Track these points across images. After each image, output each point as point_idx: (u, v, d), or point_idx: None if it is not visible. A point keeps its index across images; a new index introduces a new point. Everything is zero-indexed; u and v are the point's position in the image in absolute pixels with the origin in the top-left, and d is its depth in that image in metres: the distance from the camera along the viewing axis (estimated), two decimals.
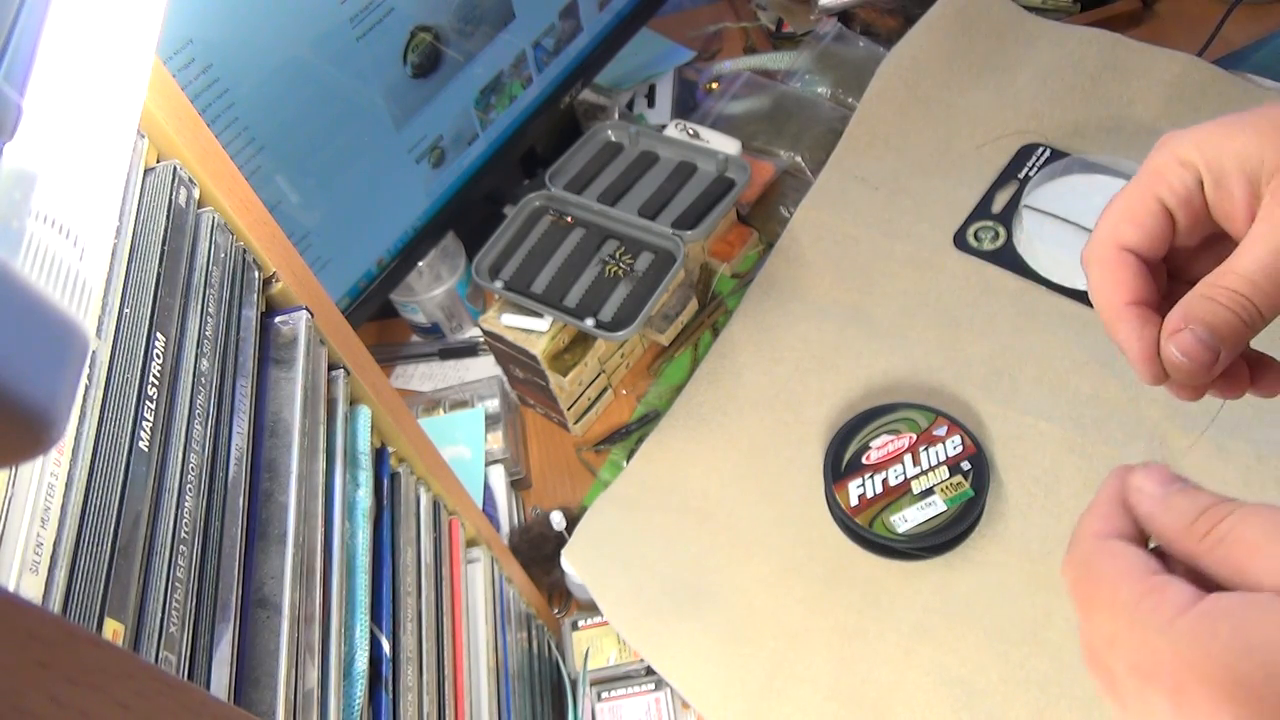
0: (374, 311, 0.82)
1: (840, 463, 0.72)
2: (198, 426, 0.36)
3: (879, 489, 0.70)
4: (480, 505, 0.73)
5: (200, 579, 0.34)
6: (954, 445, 0.71)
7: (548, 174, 0.88)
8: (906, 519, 0.69)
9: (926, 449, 0.71)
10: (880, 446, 0.73)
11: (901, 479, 0.70)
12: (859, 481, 0.71)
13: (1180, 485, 0.30)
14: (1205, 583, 0.30)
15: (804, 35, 1.09)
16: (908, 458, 0.71)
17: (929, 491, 0.69)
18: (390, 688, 0.45)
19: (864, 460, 0.72)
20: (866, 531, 0.69)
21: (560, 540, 0.77)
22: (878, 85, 0.95)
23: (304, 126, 0.66)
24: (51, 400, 0.16)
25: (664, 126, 0.97)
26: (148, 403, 0.33)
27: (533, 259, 0.83)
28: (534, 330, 0.80)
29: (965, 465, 0.70)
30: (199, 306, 0.38)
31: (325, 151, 0.69)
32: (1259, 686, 0.25)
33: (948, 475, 0.70)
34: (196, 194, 0.40)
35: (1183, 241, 0.36)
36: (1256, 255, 0.33)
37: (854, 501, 0.70)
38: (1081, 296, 0.79)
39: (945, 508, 0.68)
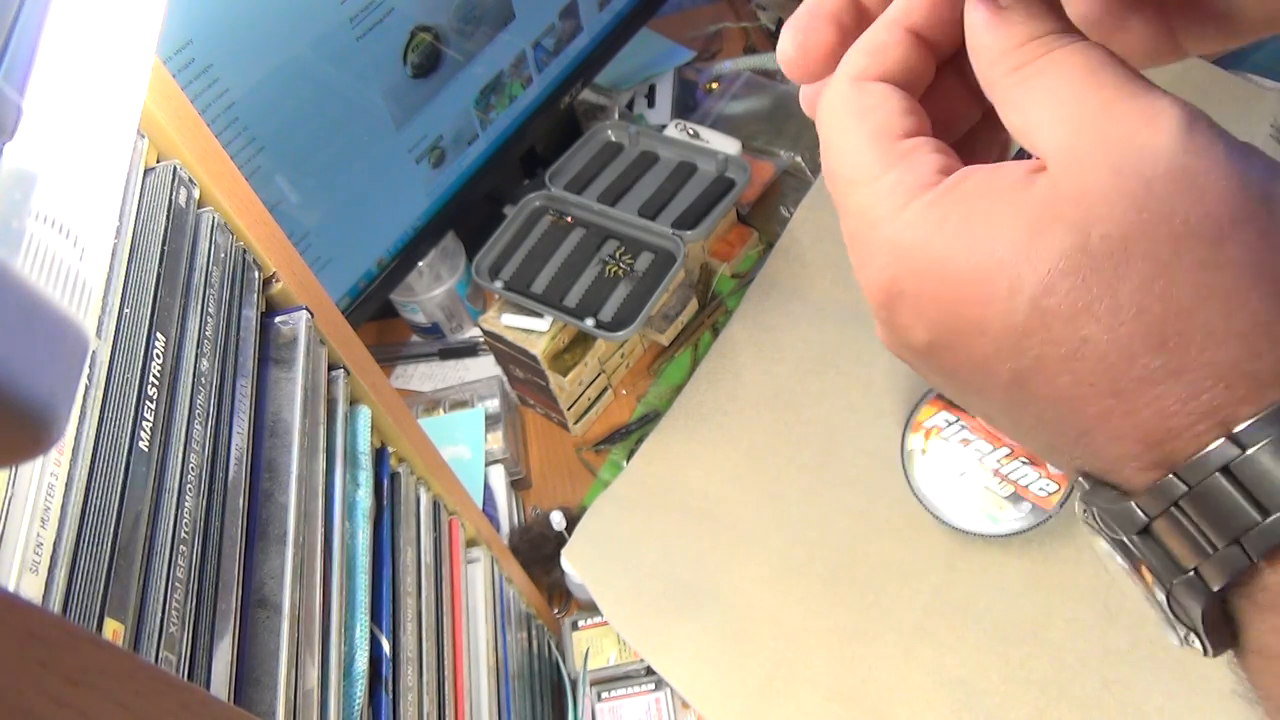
0: (374, 311, 0.82)
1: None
2: (198, 426, 0.36)
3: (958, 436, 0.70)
4: (480, 505, 0.73)
5: (200, 579, 0.34)
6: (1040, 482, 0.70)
7: (548, 174, 0.88)
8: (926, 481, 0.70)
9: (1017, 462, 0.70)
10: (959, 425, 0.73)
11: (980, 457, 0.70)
12: (944, 416, 0.71)
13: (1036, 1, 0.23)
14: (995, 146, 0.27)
15: None
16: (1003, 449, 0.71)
17: (963, 475, 0.70)
18: (390, 688, 0.45)
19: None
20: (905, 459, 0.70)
21: (560, 540, 0.77)
22: None
23: (304, 126, 0.66)
24: (51, 400, 0.16)
25: (664, 126, 0.97)
26: (148, 403, 0.33)
27: (533, 259, 0.83)
28: (534, 330, 0.80)
29: (1007, 468, 0.69)
30: (199, 306, 0.38)
31: (325, 151, 0.69)
32: (976, 304, 0.21)
33: (983, 472, 0.69)
34: (196, 194, 0.40)
35: None
36: None
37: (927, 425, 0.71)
38: None
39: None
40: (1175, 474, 0.20)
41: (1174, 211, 0.19)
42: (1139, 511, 0.21)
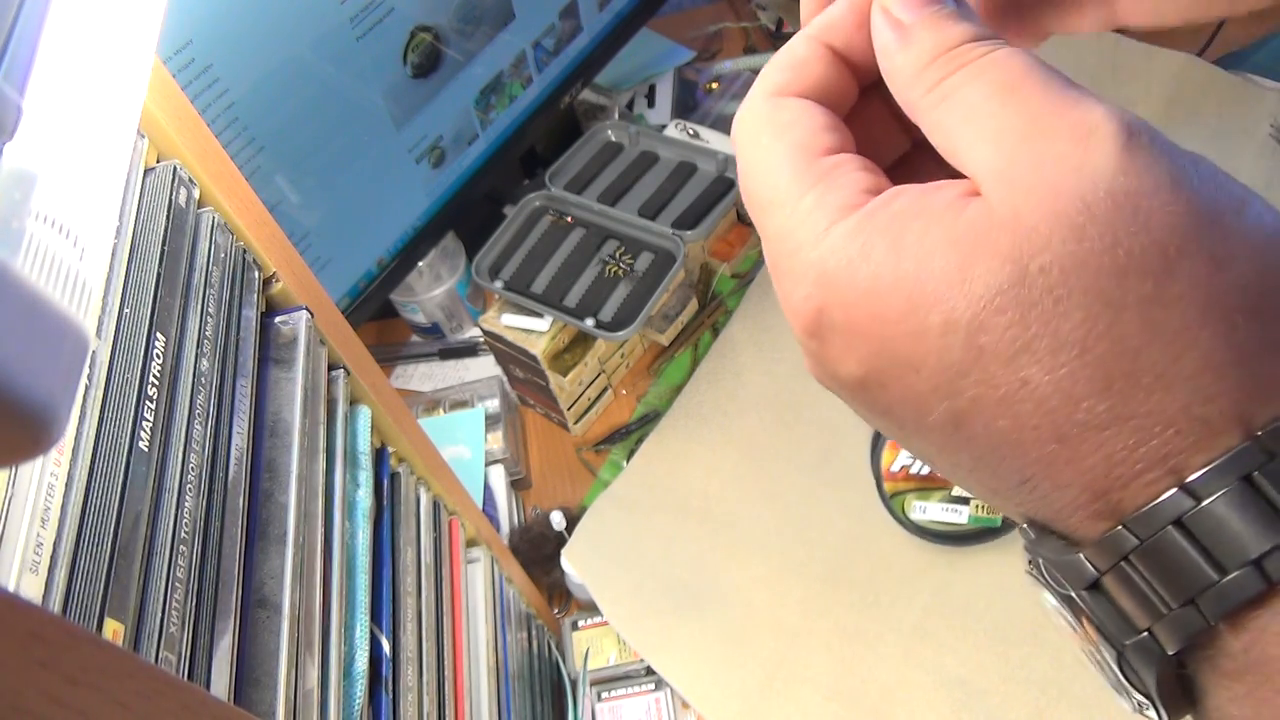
0: (374, 311, 0.82)
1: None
2: (198, 426, 0.36)
3: (923, 469, 0.70)
4: (480, 505, 0.73)
5: (200, 579, 0.34)
6: None
7: (548, 174, 0.88)
8: (926, 511, 0.69)
9: None
10: None
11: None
12: (909, 454, 0.70)
13: (941, 7, 0.22)
14: (918, 168, 0.24)
15: None
16: None
17: (964, 500, 0.69)
18: (390, 688, 0.45)
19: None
20: (885, 499, 0.69)
21: (560, 540, 0.77)
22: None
23: (304, 126, 0.66)
24: (51, 400, 0.16)
25: (664, 126, 0.97)
26: (148, 403, 0.33)
27: (533, 259, 0.83)
28: (534, 330, 0.80)
29: None
30: (199, 306, 0.38)
31: (325, 151, 0.69)
32: (909, 339, 0.20)
33: None
34: (196, 194, 0.40)
35: None
36: None
37: (894, 468, 0.69)
38: None
39: (967, 523, 0.68)
40: (1125, 526, 0.19)
41: (1116, 241, 0.18)
42: (1088, 565, 0.20)
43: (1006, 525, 0.68)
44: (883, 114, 0.25)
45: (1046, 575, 0.22)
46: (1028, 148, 0.19)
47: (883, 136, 0.25)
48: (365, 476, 0.47)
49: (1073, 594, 0.21)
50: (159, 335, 0.35)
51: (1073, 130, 0.19)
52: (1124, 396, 0.18)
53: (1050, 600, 0.22)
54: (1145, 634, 0.20)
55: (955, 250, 0.19)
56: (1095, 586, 0.20)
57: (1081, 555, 0.20)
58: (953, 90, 0.20)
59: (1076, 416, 0.19)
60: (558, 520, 0.78)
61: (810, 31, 0.24)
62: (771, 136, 0.23)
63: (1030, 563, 0.23)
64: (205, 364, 0.38)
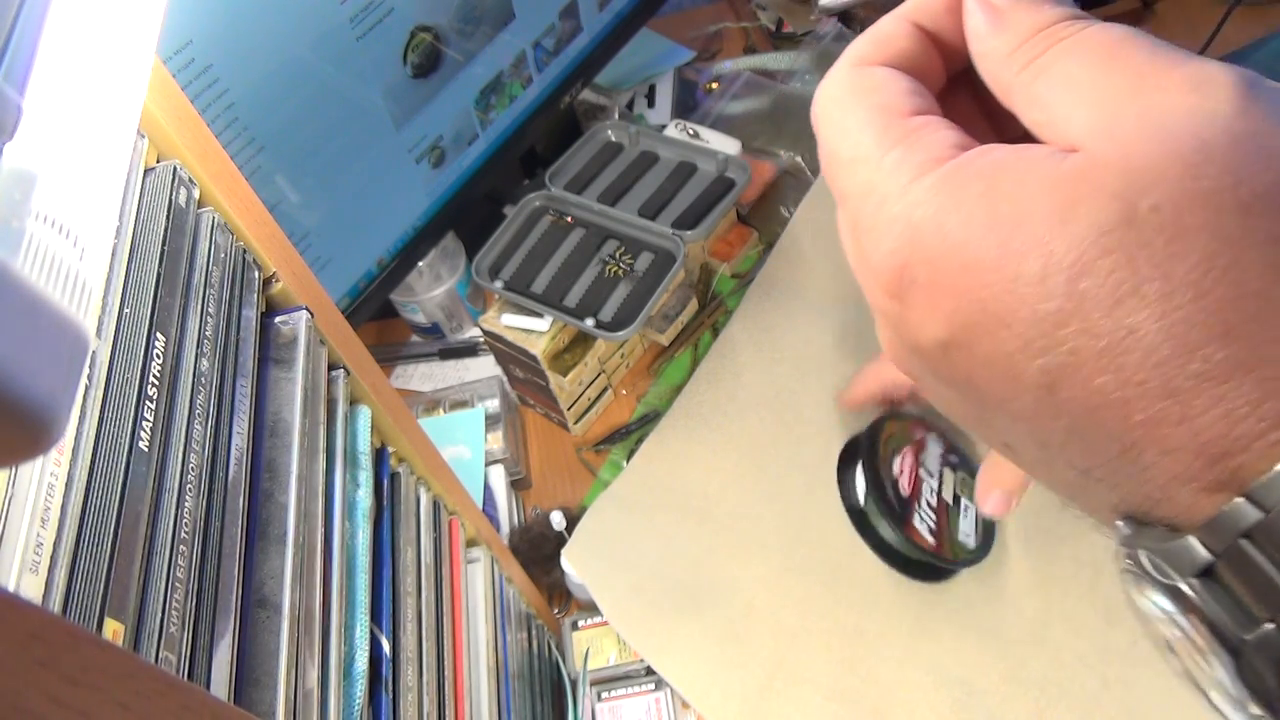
0: (374, 311, 0.82)
1: (893, 504, 0.65)
2: (198, 426, 0.36)
3: (935, 513, 0.65)
4: (480, 505, 0.73)
5: (200, 579, 0.34)
6: (935, 443, 0.70)
7: (548, 174, 0.88)
8: (967, 532, 0.66)
9: (923, 456, 0.70)
10: (901, 470, 0.66)
11: (937, 495, 0.66)
12: (918, 516, 0.65)
13: None
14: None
15: (804, 35, 1.09)
16: (922, 471, 0.67)
17: (957, 498, 0.68)
18: (390, 688, 0.45)
19: (902, 490, 0.65)
20: (953, 563, 0.64)
21: (560, 540, 0.77)
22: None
23: (304, 126, 0.66)
24: (51, 400, 0.16)
25: (664, 126, 0.97)
26: (148, 403, 0.33)
27: (533, 259, 0.83)
28: (534, 330, 0.80)
29: (953, 458, 0.69)
30: (199, 306, 0.38)
31: (325, 151, 0.69)
32: (1001, 290, 0.18)
33: (953, 474, 0.69)
34: (196, 194, 0.40)
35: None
36: None
37: (930, 540, 0.64)
38: None
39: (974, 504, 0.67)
40: (1246, 496, 0.17)
41: (1239, 179, 0.16)
42: (1199, 548, 0.18)
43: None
44: (969, 108, 0.25)
45: (1148, 567, 0.19)
46: (1135, 101, 0.18)
47: (969, 130, 0.24)
48: (365, 476, 0.47)
49: (1181, 584, 0.19)
50: (159, 335, 0.35)
51: (1183, 82, 0.18)
52: (1247, 343, 0.16)
53: (1151, 602, 0.20)
54: (1270, 625, 0.17)
55: (1056, 192, 0.18)
56: (1208, 573, 0.18)
57: (1192, 538, 0.18)
58: (1050, 64, 0.20)
59: (1191, 367, 0.17)
60: (558, 520, 0.78)
61: (900, 10, 0.24)
62: (855, 98, 0.22)
63: (1127, 557, 0.20)
64: (205, 364, 0.38)
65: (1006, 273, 0.18)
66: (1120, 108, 0.18)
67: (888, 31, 0.24)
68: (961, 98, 0.25)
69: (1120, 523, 0.20)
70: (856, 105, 0.22)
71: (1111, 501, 0.20)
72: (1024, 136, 0.21)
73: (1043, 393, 0.18)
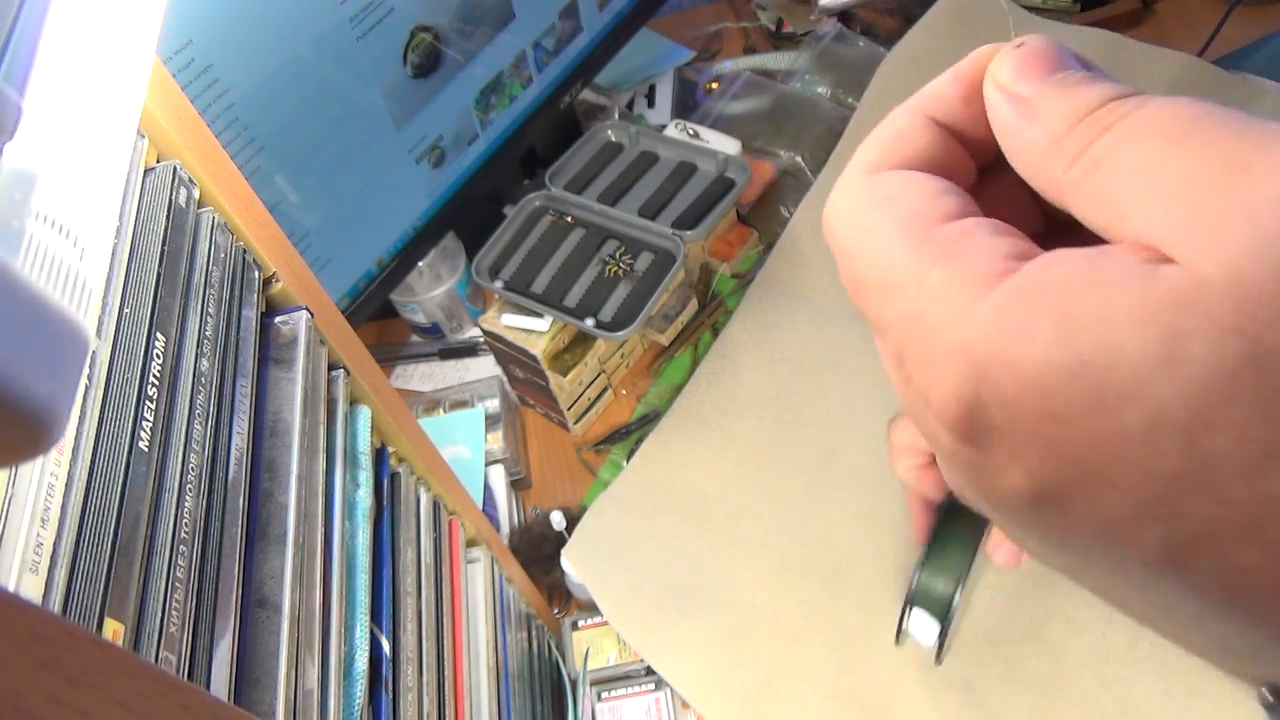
0: (374, 311, 0.82)
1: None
2: (198, 426, 0.36)
3: None
4: (480, 505, 0.73)
5: (200, 579, 0.34)
6: None
7: (548, 174, 0.88)
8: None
9: None
10: None
11: None
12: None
13: (1069, 74, 0.18)
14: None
15: (804, 35, 1.09)
16: None
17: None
18: (390, 688, 0.45)
19: None
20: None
21: (560, 540, 0.77)
22: (878, 85, 0.95)
23: (304, 126, 0.66)
24: (51, 400, 0.16)
25: (664, 126, 0.97)
26: (148, 403, 0.33)
27: (533, 259, 0.83)
28: (534, 330, 0.80)
29: None
30: (199, 306, 0.38)
31: (325, 151, 0.69)
32: (1100, 443, 0.15)
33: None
34: (196, 194, 0.40)
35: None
36: None
37: None
38: None
39: None
40: None
41: None
42: None
43: None
44: (1011, 192, 0.21)
45: None
46: (1227, 197, 0.15)
47: (1014, 218, 0.20)
48: (365, 476, 0.47)
49: None
50: (159, 335, 0.35)
51: None
52: None
53: None
54: None
55: (1153, 325, 0.15)
56: None
57: None
58: (1106, 154, 0.17)
59: None
60: (558, 520, 0.78)
61: (911, 104, 0.21)
62: (876, 212, 0.19)
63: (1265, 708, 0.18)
64: (205, 364, 0.38)
65: (1104, 426, 0.15)
66: (1211, 206, 0.15)
67: (900, 129, 0.21)
68: (1001, 182, 0.21)
69: (1264, 690, 0.18)
70: (878, 219, 0.19)
71: (1253, 673, 0.17)
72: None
73: (1164, 565, 0.15)
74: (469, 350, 0.95)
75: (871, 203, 0.19)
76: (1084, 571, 0.18)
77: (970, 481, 0.18)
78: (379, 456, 0.51)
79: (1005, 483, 0.17)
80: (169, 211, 0.38)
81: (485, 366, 0.94)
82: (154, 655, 0.30)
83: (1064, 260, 0.16)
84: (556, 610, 0.80)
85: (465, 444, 0.84)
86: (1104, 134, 0.17)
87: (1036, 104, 0.18)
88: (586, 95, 1.06)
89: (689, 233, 0.80)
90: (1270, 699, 0.17)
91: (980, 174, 0.22)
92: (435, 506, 0.57)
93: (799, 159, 0.95)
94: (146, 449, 0.33)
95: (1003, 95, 0.19)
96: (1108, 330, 0.15)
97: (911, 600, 0.42)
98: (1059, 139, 0.18)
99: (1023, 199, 0.22)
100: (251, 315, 0.42)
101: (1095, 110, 0.17)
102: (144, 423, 0.33)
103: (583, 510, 0.79)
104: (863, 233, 0.19)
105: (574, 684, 0.71)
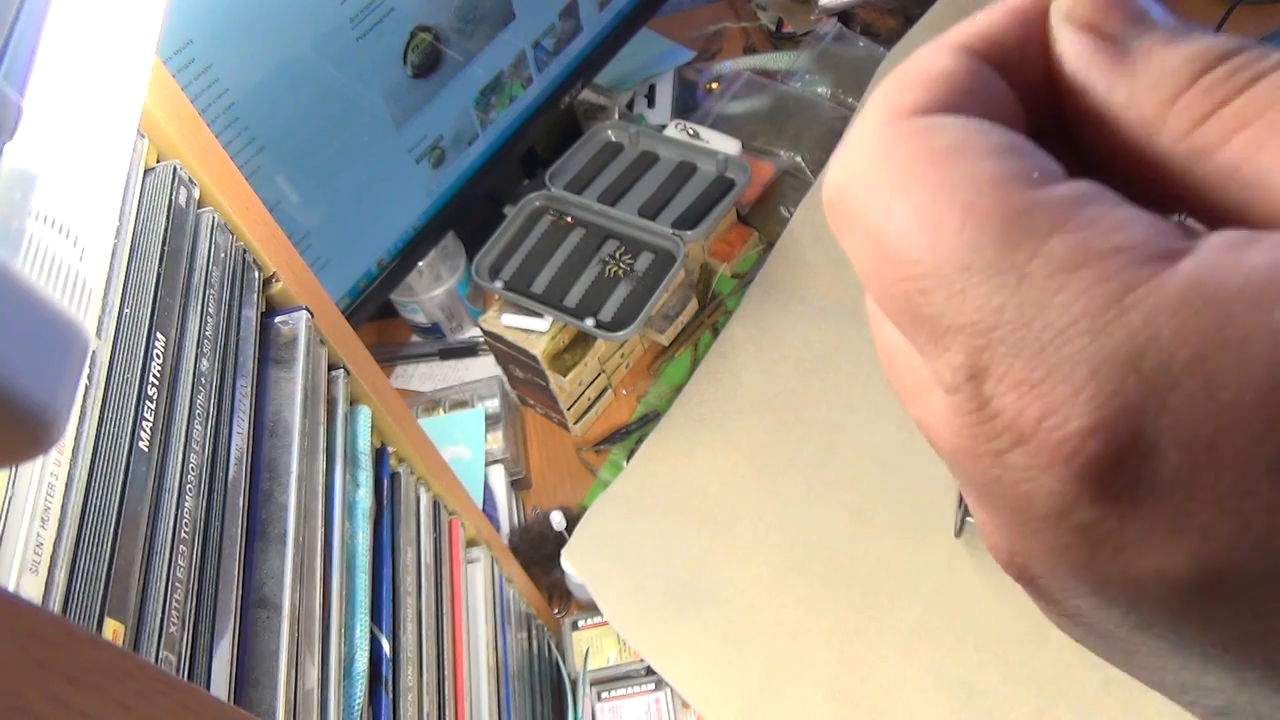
0: (374, 311, 0.82)
1: None
2: (198, 426, 0.36)
3: None
4: (480, 505, 0.73)
5: (200, 579, 0.34)
6: None
7: (548, 174, 0.88)
8: None
9: None
10: None
11: None
12: None
13: (1168, 20, 0.14)
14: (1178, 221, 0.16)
15: (804, 35, 1.09)
16: None
17: None
18: (390, 688, 0.45)
19: None
20: None
21: (560, 540, 0.77)
22: (877, 85, 0.95)
23: (304, 126, 0.66)
24: (51, 400, 0.16)
25: (664, 126, 0.97)
26: (148, 403, 0.33)
27: (533, 259, 0.83)
28: (534, 330, 0.80)
29: None
30: (199, 306, 0.38)
31: (325, 151, 0.69)
32: None
33: None
34: (196, 194, 0.40)
35: None
36: None
37: None
38: None
39: None
40: None
41: None
42: None
43: None
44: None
45: None
46: None
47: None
48: (365, 476, 0.47)
49: None
50: (159, 335, 0.35)
51: None
52: None
53: None
54: None
55: None
56: None
57: None
58: (1258, 115, 0.13)
59: None
60: (558, 520, 0.78)
61: (954, 38, 0.16)
62: (935, 166, 0.14)
63: None
64: (205, 364, 0.38)
65: None
66: None
67: (938, 68, 0.15)
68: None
69: None
70: (939, 177, 0.13)
71: None
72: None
73: None
74: (469, 350, 0.95)
75: (922, 155, 0.14)
76: (1237, 689, 0.13)
77: (1076, 560, 0.13)
78: (379, 456, 0.51)
79: (1148, 563, 0.12)
80: (169, 211, 0.38)
81: (485, 366, 0.94)
82: (154, 655, 0.30)
83: (1265, 241, 0.12)
84: (556, 610, 0.80)
85: (465, 444, 0.84)
86: (1247, 90, 0.13)
87: (1137, 49, 0.14)
88: (586, 95, 1.06)
89: (689, 233, 0.80)
90: None
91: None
92: (435, 506, 0.57)
93: (799, 159, 0.95)
94: (146, 449, 0.32)
95: (1084, 35, 0.14)
96: None
97: None
98: (1179, 90, 0.13)
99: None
100: (251, 315, 0.42)
101: (1221, 63, 0.13)
102: (144, 423, 0.33)
103: (583, 510, 0.79)
104: (910, 199, 0.14)
105: (574, 684, 0.71)
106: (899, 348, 0.16)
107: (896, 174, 0.14)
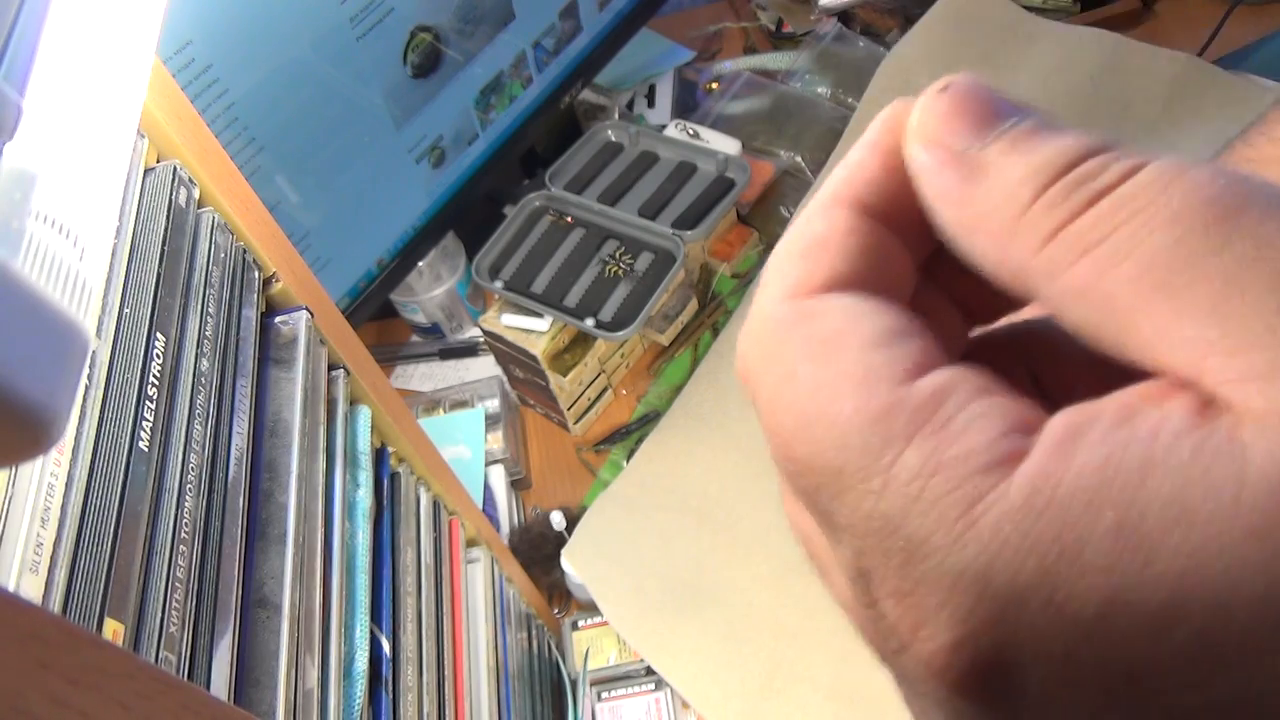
0: (374, 311, 0.82)
1: None
2: (198, 426, 0.36)
3: None
4: (480, 505, 0.73)
5: (200, 579, 0.34)
6: None
7: (548, 174, 0.88)
8: None
9: None
10: None
11: None
12: None
13: (1020, 121, 0.14)
14: (1034, 356, 0.16)
15: (804, 35, 1.09)
16: None
17: None
18: (390, 688, 0.45)
19: None
20: None
21: (560, 540, 0.77)
22: (878, 85, 0.95)
23: (304, 126, 0.66)
24: (51, 400, 0.16)
25: (664, 126, 0.97)
26: (148, 403, 0.33)
27: (533, 259, 0.83)
28: (534, 330, 0.80)
29: None
30: (199, 306, 0.38)
31: (325, 151, 0.69)
32: (1191, 687, 0.11)
33: None
34: (196, 194, 0.40)
35: None
36: None
37: None
38: None
39: None
40: None
41: None
42: None
43: None
44: (948, 275, 0.17)
45: None
46: None
47: (949, 330, 0.16)
48: (365, 476, 0.47)
49: None
50: (159, 335, 0.35)
51: None
52: None
53: None
54: None
55: (1237, 523, 0.11)
56: None
57: None
58: (1103, 236, 0.12)
59: None
60: (558, 520, 0.78)
61: (826, 194, 0.16)
62: (809, 364, 0.14)
63: None
64: (205, 364, 0.38)
65: (1221, 693, 0.11)
66: None
67: (819, 232, 0.16)
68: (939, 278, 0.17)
69: None
70: (816, 374, 0.14)
71: None
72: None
73: None
74: (469, 350, 0.95)
75: (803, 349, 0.14)
76: None
77: None
78: (379, 456, 0.51)
79: None
80: (169, 211, 0.38)
81: (485, 366, 0.94)
82: (154, 655, 0.30)
83: (1091, 435, 0.12)
84: (556, 610, 0.80)
85: (465, 444, 0.84)
86: (1091, 207, 0.13)
87: (984, 160, 0.14)
88: (586, 95, 1.06)
89: (689, 233, 0.80)
90: None
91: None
92: (435, 506, 0.57)
93: (799, 159, 0.95)
94: (146, 449, 0.33)
95: (935, 154, 0.14)
96: (1208, 552, 0.11)
97: None
98: (1024, 205, 0.13)
99: (962, 285, 0.17)
100: (251, 315, 0.42)
101: (1070, 169, 0.13)
102: (144, 423, 0.33)
103: (583, 510, 0.79)
104: (794, 391, 0.14)
105: (574, 684, 0.71)
106: (807, 528, 0.17)
107: (781, 369, 0.14)
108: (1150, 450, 0.11)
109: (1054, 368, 0.17)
